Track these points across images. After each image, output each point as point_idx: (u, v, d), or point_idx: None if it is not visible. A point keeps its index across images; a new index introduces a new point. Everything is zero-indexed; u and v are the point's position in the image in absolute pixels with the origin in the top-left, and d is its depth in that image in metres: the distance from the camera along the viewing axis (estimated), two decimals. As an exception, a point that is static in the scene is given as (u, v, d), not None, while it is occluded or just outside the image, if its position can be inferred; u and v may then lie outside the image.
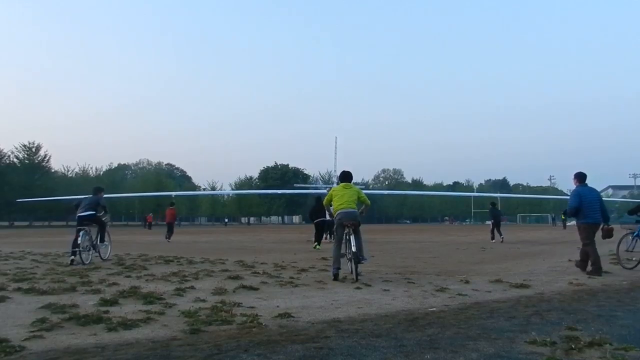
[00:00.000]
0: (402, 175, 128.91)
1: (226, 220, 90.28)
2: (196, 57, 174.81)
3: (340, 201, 8.36)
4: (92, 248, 11.31)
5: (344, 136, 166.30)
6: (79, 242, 10.83)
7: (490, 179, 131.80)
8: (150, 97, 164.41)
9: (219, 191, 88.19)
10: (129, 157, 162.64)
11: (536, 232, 34.09)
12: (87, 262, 10.79)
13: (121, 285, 7.02)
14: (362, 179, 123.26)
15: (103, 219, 11.95)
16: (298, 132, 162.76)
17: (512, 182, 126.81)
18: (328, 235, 18.90)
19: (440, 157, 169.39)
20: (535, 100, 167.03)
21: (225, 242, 21.43)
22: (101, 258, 11.63)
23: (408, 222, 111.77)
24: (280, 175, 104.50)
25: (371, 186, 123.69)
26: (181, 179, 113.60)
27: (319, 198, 19.95)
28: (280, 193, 77.41)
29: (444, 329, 4.32)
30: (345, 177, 9.02)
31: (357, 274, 7.82)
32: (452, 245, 18.95)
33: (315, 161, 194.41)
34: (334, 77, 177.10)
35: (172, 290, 6.58)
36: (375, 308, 5.47)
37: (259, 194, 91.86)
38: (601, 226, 9.28)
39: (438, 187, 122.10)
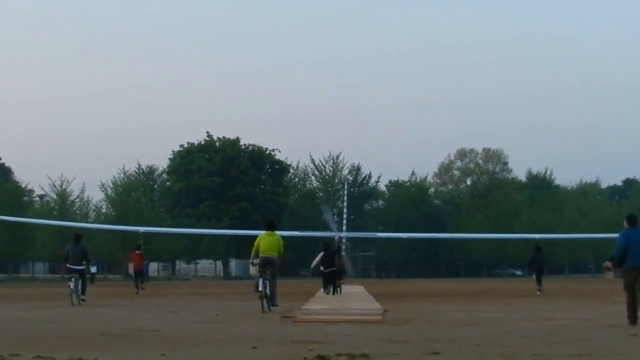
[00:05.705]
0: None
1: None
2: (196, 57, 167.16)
3: (264, 248, 11.27)
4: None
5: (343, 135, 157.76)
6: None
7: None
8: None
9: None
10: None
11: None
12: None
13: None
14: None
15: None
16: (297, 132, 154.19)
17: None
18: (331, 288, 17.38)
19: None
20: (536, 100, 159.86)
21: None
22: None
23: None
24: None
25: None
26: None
27: (327, 244, 19.61)
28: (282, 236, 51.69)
29: None
30: (269, 226, 12.09)
31: (270, 308, 10.85)
32: (590, 322, 8.64)
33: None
34: (332, 77, 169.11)
35: None
36: None
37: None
38: None
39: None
